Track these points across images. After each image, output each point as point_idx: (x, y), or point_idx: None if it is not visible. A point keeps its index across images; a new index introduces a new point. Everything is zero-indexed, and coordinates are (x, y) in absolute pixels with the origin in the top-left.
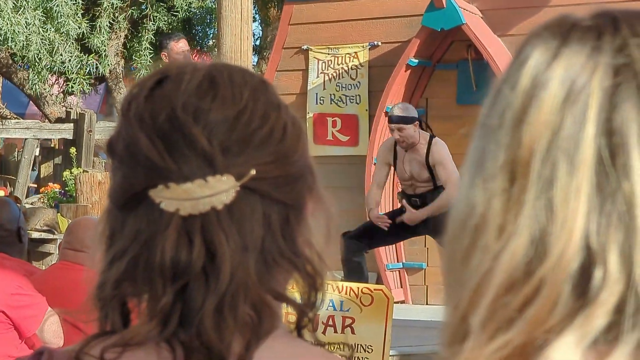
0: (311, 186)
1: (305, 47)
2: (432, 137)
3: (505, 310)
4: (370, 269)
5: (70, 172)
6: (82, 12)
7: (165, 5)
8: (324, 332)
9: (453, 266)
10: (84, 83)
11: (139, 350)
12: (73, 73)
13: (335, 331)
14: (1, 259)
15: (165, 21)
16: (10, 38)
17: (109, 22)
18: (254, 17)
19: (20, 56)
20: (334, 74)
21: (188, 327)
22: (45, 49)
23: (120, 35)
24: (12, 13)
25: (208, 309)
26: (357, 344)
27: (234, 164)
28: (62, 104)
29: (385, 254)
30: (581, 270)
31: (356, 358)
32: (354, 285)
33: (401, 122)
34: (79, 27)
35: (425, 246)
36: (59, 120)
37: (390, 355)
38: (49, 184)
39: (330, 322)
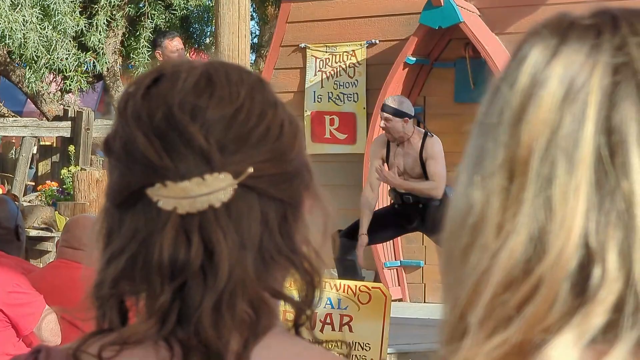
0: (308, 184)
1: (302, 45)
2: (427, 133)
3: (504, 309)
4: (368, 267)
5: (68, 170)
6: (80, 10)
7: (162, 3)
8: (321, 330)
9: (451, 264)
10: (82, 81)
11: (136, 348)
12: (70, 71)
13: (333, 329)
14: None
15: (162, 19)
16: (7, 35)
17: (107, 20)
18: (251, 15)
19: (17, 54)
20: (332, 72)
21: (186, 326)
22: (43, 46)
23: (117, 33)
24: (9, 10)
25: (206, 307)
26: (355, 342)
27: (232, 162)
28: (60, 102)
29: (383, 252)
30: (580, 269)
31: (354, 356)
32: (352, 283)
33: (390, 113)
34: (77, 25)
35: (422, 244)
36: (57, 118)
37: (387, 353)
38: (47, 182)
39: (328, 320)
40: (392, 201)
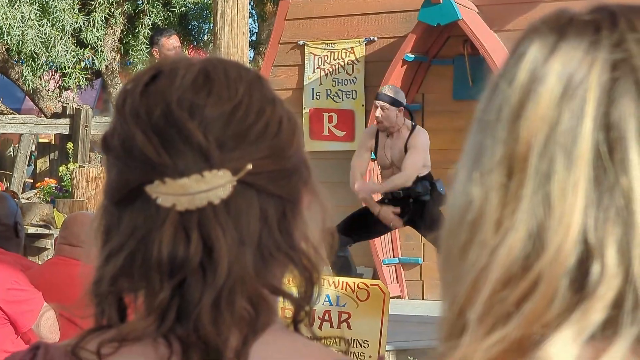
0: (306, 180)
1: (301, 42)
2: (415, 125)
3: (503, 305)
4: (367, 264)
5: (67, 167)
6: (79, 6)
7: (161, 0)
8: (320, 327)
9: (450, 261)
10: (80, 78)
11: (135, 345)
12: (69, 67)
13: (332, 326)
14: None
15: (161, 16)
16: (5, 32)
17: (105, 17)
18: (250, 12)
19: (16, 51)
20: (330, 69)
21: (185, 322)
22: (41, 42)
23: (116, 30)
24: (7, 7)
25: (205, 303)
26: (353, 339)
27: (230, 159)
28: (58, 99)
29: (382, 249)
30: (579, 265)
31: (352, 353)
32: (350, 280)
33: (387, 101)
34: (75, 22)
35: (421, 241)
36: (55, 115)
37: (386, 350)
38: (45, 179)
39: (327, 317)
40: (382, 196)
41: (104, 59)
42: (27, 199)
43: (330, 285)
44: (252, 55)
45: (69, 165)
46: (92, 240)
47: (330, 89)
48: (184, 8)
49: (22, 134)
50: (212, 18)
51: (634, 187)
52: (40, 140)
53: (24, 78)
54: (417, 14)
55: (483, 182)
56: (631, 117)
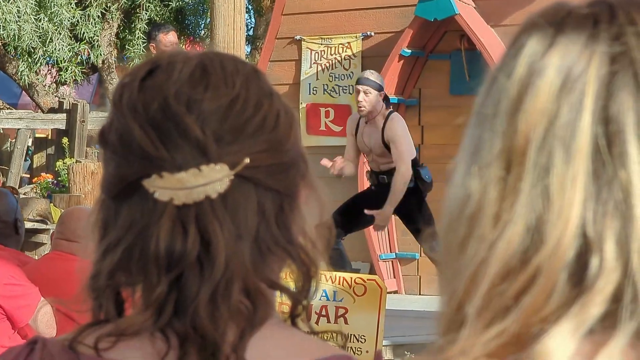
0: (304, 174)
1: (298, 37)
2: (390, 112)
3: (501, 299)
4: (363, 259)
5: (63, 162)
6: (75, 1)
7: None
8: (317, 322)
9: (449, 255)
10: (76, 72)
11: (133, 339)
12: (65, 61)
13: (329, 321)
14: None
15: (157, 11)
16: (1, 27)
17: (101, 12)
18: (247, 7)
19: (12, 46)
20: (327, 64)
21: (182, 317)
22: (38, 37)
23: (112, 25)
24: (3, 2)
25: (202, 298)
26: (350, 334)
27: (228, 153)
28: (55, 94)
29: (379, 244)
30: (577, 259)
31: (349, 348)
32: (347, 275)
33: (371, 85)
34: (72, 17)
35: None
36: (52, 110)
37: (383, 345)
38: (42, 174)
39: (324, 312)
40: (369, 184)
41: (101, 54)
42: (24, 194)
43: (327, 280)
44: (249, 50)
45: (65, 160)
46: (89, 235)
47: (327, 84)
48: (180, 3)
49: (18, 129)
50: (208, 13)
51: (632, 180)
52: (37, 135)
53: (20, 73)
54: (414, 9)
55: (481, 176)
56: (630, 110)
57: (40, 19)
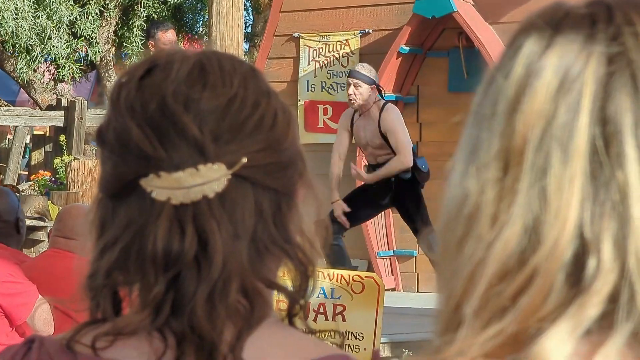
0: (302, 173)
1: (296, 34)
2: (385, 103)
3: (499, 299)
4: (362, 257)
5: (61, 160)
6: None
7: None
8: (314, 320)
9: (447, 254)
10: (75, 69)
11: (130, 339)
12: (63, 59)
13: (326, 319)
14: None
15: (155, 8)
16: None
17: (99, 9)
18: (244, 4)
19: (10, 43)
20: (325, 62)
21: (180, 316)
22: (37, 34)
23: (110, 22)
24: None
25: (200, 297)
26: (348, 332)
27: (225, 152)
28: (53, 92)
29: (376, 241)
30: (575, 260)
31: (347, 345)
32: (345, 272)
33: (361, 78)
34: (71, 14)
35: None
36: (50, 107)
37: (381, 343)
38: (40, 171)
39: (321, 310)
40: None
41: (99, 51)
42: (22, 191)
43: (325, 278)
44: (247, 48)
45: (63, 157)
46: (87, 234)
47: (325, 82)
48: (178, 0)
49: (16, 126)
50: (207, 10)
51: (629, 181)
52: (35, 132)
53: (18, 70)
54: (412, 6)
55: (479, 176)
56: (627, 111)
57: (39, 16)
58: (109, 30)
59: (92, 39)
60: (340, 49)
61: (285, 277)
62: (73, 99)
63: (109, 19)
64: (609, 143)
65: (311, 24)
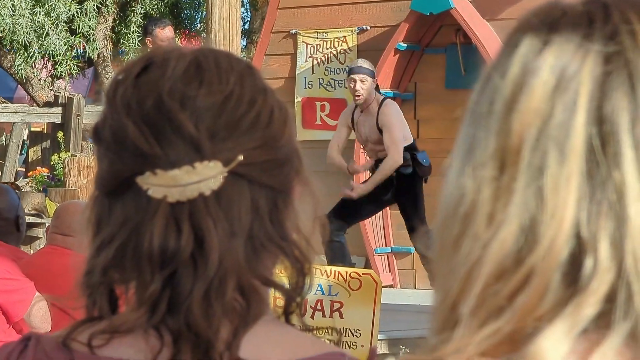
0: (298, 170)
1: (293, 31)
2: (384, 99)
3: (495, 299)
4: (359, 254)
5: (59, 156)
6: None
7: None
8: (312, 317)
9: (443, 253)
10: (72, 66)
11: (126, 336)
12: (60, 55)
13: (324, 315)
14: None
15: (153, 5)
16: None
17: (97, 6)
18: (242, 1)
19: (8, 40)
20: (323, 58)
21: (176, 314)
22: (34, 31)
23: (108, 19)
24: None
25: (196, 295)
26: (346, 328)
27: (222, 150)
28: (50, 88)
29: (374, 238)
30: (571, 259)
31: (344, 342)
32: (342, 269)
33: (366, 73)
34: (69, 11)
35: None
36: (47, 104)
37: (378, 340)
38: (37, 168)
39: (319, 307)
40: (369, 172)
41: (96, 48)
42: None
43: (323, 275)
44: (244, 44)
45: (61, 154)
46: (83, 231)
47: (322, 78)
48: None
49: (14, 123)
50: (204, 7)
51: (626, 180)
52: (32, 129)
53: (16, 67)
54: (409, 3)
55: (475, 175)
56: (624, 110)
57: (37, 12)
58: (106, 27)
59: (89, 35)
60: (338, 45)
61: (282, 274)
62: (70, 96)
63: (106, 15)
64: (605, 142)
65: (309, 21)
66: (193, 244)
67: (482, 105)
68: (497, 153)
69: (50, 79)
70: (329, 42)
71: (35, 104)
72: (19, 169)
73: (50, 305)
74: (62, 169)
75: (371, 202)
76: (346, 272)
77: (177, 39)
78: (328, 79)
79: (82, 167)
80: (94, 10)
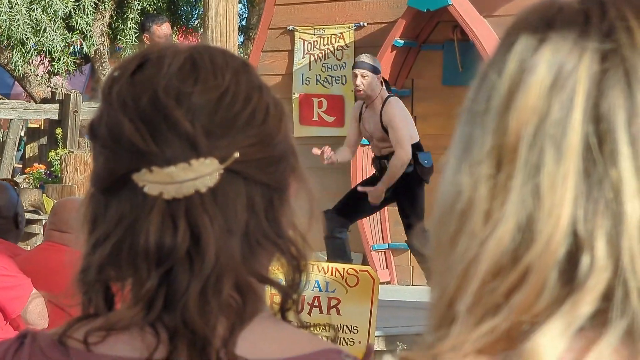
0: (294, 167)
1: (291, 27)
2: (389, 96)
3: (492, 296)
4: (356, 250)
5: (56, 153)
6: None
7: None
8: (309, 313)
9: (440, 250)
10: (69, 62)
11: (122, 334)
12: (58, 51)
13: (321, 312)
14: None
15: (150, 1)
16: None
17: (95, 2)
18: None
19: (5, 37)
20: (320, 55)
21: (172, 311)
22: (32, 28)
23: (105, 15)
24: None
25: (192, 292)
26: (343, 325)
27: (218, 147)
28: (48, 85)
29: (371, 234)
30: (568, 257)
31: (342, 339)
32: (340, 266)
33: (367, 68)
34: (66, 7)
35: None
36: (45, 100)
37: (375, 336)
38: (34, 164)
39: (316, 303)
40: (374, 170)
41: (93, 44)
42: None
43: (320, 271)
44: (241, 41)
45: (58, 150)
46: (79, 229)
47: (319, 75)
48: None
49: (11, 119)
50: (201, 3)
51: (623, 178)
52: (29, 125)
53: (13, 63)
54: (406, 0)
55: (472, 173)
56: (620, 108)
57: (34, 9)
58: (103, 24)
59: (86, 32)
60: (335, 42)
61: (278, 271)
62: (68, 92)
63: (103, 12)
64: (602, 140)
65: (306, 17)
66: (189, 241)
67: (479, 103)
68: (494, 151)
69: (47, 75)
70: (326, 39)
71: (32, 101)
72: (16, 165)
73: (47, 302)
74: (59, 166)
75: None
76: (343, 269)
77: (174, 36)
78: (325, 76)
79: (79, 163)
80: (91, 6)
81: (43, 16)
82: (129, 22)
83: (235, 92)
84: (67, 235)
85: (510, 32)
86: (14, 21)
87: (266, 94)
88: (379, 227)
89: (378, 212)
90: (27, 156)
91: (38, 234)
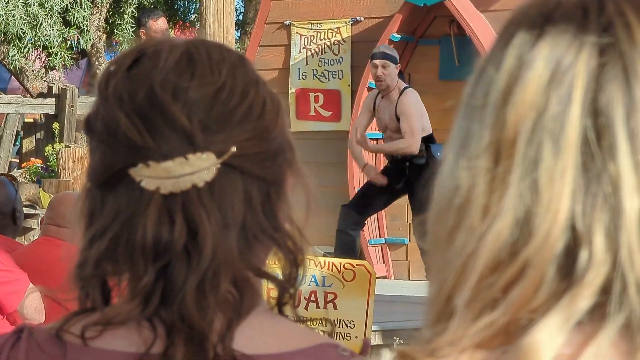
0: (291, 161)
1: (287, 22)
2: (406, 87)
3: (490, 291)
4: None
5: (53, 147)
6: None
7: None
8: (306, 308)
9: (438, 245)
10: (66, 57)
11: (120, 328)
12: (54, 46)
13: (318, 306)
14: None
15: None
16: None
17: None
18: None
19: (2, 31)
20: (317, 50)
21: (169, 306)
22: (28, 22)
23: (102, 10)
24: None
25: (189, 287)
26: (340, 319)
27: (214, 141)
28: (44, 79)
29: (368, 229)
30: (566, 252)
31: (338, 333)
32: (336, 260)
33: (388, 59)
34: (62, 2)
35: (407, 221)
36: (41, 95)
37: (372, 331)
38: (31, 159)
39: (313, 298)
40: (387, 161)
41: (90, 39)
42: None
43: (317, 266)
44: (238, 35)
45: (55, 145)
46: (76, 224)
47: (316, 69)
48: None
49: (7, 114)
50: None
51: (621, 173)
52: (25, 120)
53: (10, 58)
54: None
55: (470, 168)
56: (619, 103)
57: (30, 4)
58: (99, 18)
59: (83, 26)
60: (332, 36)
61: (275, 265)
62: (64, 87)
63: (100, 6)
64: (600, 135)
65: (302, 12)
66: (186, 235)
67: (477, 98)
68: (491, 145)
69: (43, 70)
70: (322, 33)
71: (29, 95)
72: (13, 159)
73: (44, 297)
74: (55, 160)
75: (384, 193)
76: (340, 263)
77: (170, 31)
78: (322, 70)
79: (75, 158)
80: (88, 1)
81: (40, 10)
82: (126, 16)
83: (232, 87)
84: (64, 229)
85: (508, 27)
86: (11, 16)
87: (263, 88)
88: (376, 222)
89: None
90: (23, 151)
91: (35, 228)
